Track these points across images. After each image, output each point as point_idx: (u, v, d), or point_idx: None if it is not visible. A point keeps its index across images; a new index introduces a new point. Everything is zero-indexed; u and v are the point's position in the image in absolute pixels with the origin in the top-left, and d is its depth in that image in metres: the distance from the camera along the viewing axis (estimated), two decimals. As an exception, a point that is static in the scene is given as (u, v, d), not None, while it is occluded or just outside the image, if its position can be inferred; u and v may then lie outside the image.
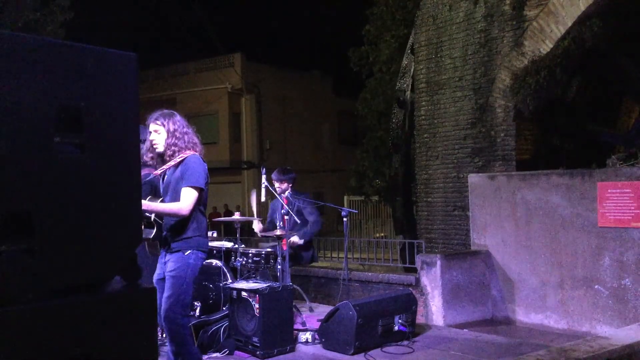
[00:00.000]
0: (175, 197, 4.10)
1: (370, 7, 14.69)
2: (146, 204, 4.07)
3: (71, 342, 1.83)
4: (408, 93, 10.19)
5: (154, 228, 4.17)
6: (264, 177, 5.96)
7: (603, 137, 8.74)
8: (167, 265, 4.13)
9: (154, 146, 4.15)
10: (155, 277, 4.30)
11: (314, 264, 7.49)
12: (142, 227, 4.25)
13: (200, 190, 4.08)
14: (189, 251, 4.09)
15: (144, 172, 4.18)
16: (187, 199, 4.02)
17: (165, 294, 4.03)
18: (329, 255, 9.55)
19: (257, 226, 6.53)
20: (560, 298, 6.57)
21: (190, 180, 4.04)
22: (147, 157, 4.23)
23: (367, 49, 15.03)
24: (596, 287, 6.28)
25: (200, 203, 4.14)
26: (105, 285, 2.05)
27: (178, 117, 4.26)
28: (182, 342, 4.05)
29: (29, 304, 1.77)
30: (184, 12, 32.73)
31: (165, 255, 4.20)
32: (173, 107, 25.49)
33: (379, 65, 14.59)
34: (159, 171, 4.23)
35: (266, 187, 5.99)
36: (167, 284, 4.05)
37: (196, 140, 4.27)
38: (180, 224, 4.10)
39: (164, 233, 4.18)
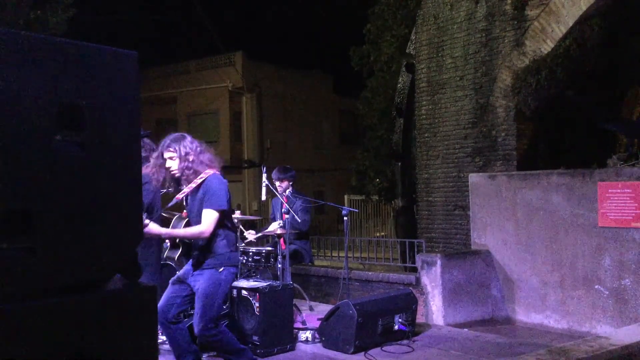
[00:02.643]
0: (201, 218, 4.18)
1: (371, 6, 14.68)
2: (168, 231, 4.27)
3: (70, 341, 1.83)
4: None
5: (179, 248, 4.37)
6: (264, 175, 5.98)
7: (606, 125, 8.61)
8: (197, 280, 4.18)
9: (172, 173, 4.21)
10: (175, 277, 4.38)
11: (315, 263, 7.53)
12: (168, 247, 4.38)
13: (222, 211, 4.15)
14: (222, 268, 4.18)
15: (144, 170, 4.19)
16: (208, 221, 4.10)
17: (196, 312, 4.14)
18: (329, 254, 9.55)
19: (250, 236, 6.51)
20: (560, 298, 6.57)
21: (212, 202, 4.12)
22: (154, 178, 4.28)
23: (368, 48, 15.00)
24: (596, 287, 6.28)
25: (225, 219, 4.22)
26: (106, 283, 2.05)
27: (189, 139, 4.30)
28: (226, 345, 4.23)
29: (29, 302, 1.77)
30: (185, 11, 32.73)
31: (195, 269, 4.26)
32: (174, 105, 25.55)
33: (380, 64, 14.57)
34: (180, 195, 4.29)
35: (267, 185, 6.01)
36: (198, 302, 4.14)
37: (211, 157, 4.31)
38: (210, 242, 4.18)
39: (194, 252, 4.27)
